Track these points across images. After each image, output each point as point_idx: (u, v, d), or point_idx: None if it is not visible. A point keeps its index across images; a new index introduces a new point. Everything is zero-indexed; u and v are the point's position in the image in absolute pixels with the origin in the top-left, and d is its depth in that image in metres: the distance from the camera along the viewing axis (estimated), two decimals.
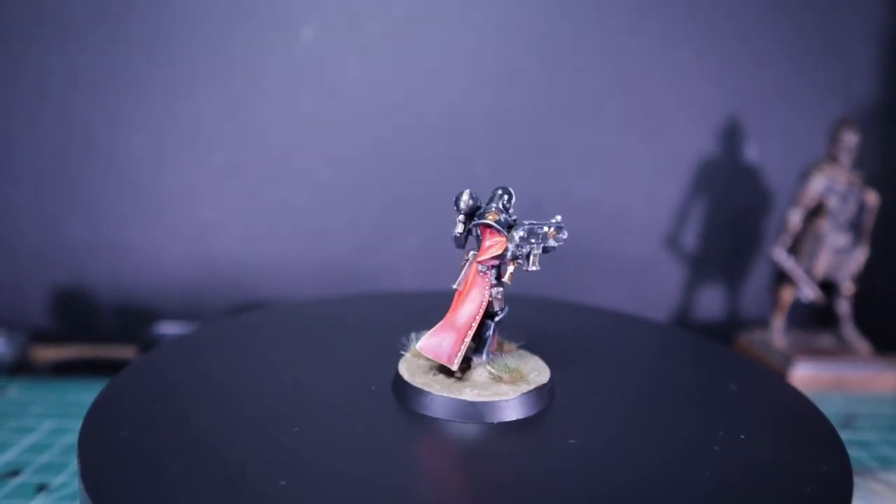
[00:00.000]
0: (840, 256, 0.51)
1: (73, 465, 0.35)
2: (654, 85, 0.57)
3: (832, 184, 0.50)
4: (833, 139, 0.51)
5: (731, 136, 0.58)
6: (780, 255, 0.51)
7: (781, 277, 0.52)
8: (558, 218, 0.26)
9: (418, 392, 0.25)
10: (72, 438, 0.37)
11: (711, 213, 0.59)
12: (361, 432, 0.23)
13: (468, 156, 0.57)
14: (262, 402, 0.25)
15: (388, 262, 0.58)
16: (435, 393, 0.24)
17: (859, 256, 0.51)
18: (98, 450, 0.21)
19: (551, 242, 0.26)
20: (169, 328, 0.51)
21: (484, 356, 0.26)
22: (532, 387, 0.25)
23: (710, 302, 0.60)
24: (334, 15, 0.54)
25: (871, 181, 0.52)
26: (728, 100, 0.57)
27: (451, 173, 0.57)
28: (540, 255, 0.25)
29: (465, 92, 0.56)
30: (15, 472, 0.34)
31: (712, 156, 0.58)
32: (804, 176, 0.51)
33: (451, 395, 0.24)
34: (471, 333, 0.25)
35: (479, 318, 0.25)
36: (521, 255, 0.25)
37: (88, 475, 0.20)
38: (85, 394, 0.43)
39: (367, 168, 0.57)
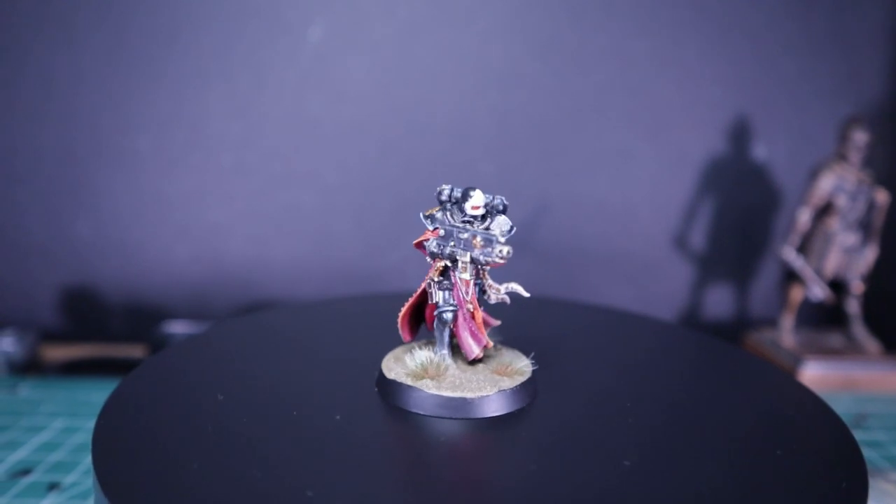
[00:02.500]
0: (849, 255, 0.51)
1: (84, 463, 0.35)
2: (661, 85, 0.56)
3: (841, 182, 0.50)
4: (842, 137, 0.51)
5: (739, 135, 0.57)
6: (790, 255, 0.51)
7: (790, 276, 0.52)
8: (497, 231, 0.24)
9: (398, 387, 0.25)
10: (82, 437, 0.38)
11: (719, 212, 0.59)
12: (351, 427, 0.24)
13: (474, 157, 0.57)
14: (269, 400, 0.26)
15: (395, 262, 0.58)
16: (414, 388, 0.25)
17: (869, 255, 0.51)
18: (112, 448, 0.22)
19: (476, 253, 0.24)
20: (177, 327, 0.51)
21: (439, 348, 0.27)
22: (511, 385, 0.25)
23: (719, 301, 0.60)
24: (341, 16, 0.54)
25: (880, 180, 0.52)
26: (735, 99, 0.57)
27: (458, 174, 0.57)
28: (468, 263, 0.24)
29: (471, 93, 0.56)
30: (26, 471, 0.34)
31: (720, 155, 0.58)
32: (813, 175, 0.51)
33: (425, 391, 0.25)
34: (401, 311, 0.27)
35: (410, 302, 0.27)
36: (444, 256, 0.25)
37: (103, 473, 0.20)
38: (95, 393, 0.43)
39: (374, 169, 0.57)
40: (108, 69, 0.54)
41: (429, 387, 0.25)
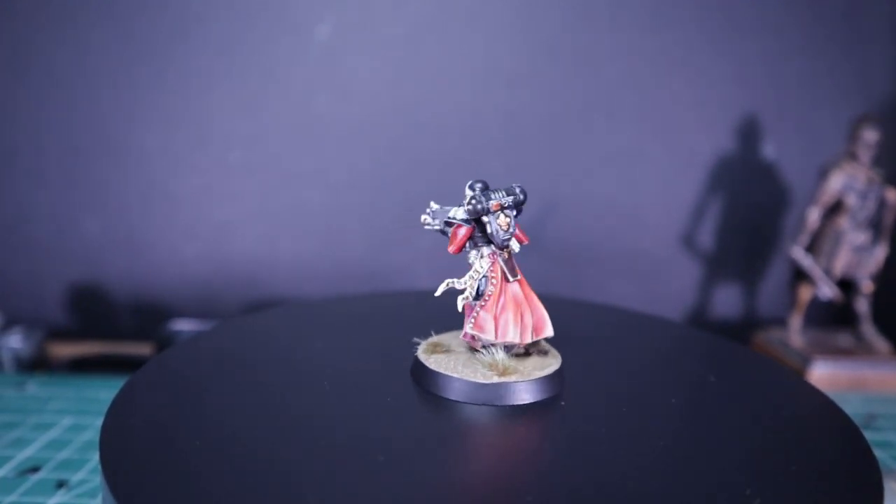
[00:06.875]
0: (859, 255, 0.50)
1: (93, 461, 0.35)
2: (670, 82, 0.56)
3: (851, 181, 0.50)
4: (852, 136, 0.50)
5: (748, 134, 0.57)
6: (799, 254, 0.51)
7: (799, 276, 0.52)
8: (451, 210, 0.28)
9: (434, 374, 0.26)
10: (90, 435, 0.38)
11: (728, 211, 0.58)
12: (380, 416, 0.24)
13: (482, 155, 0.57)
14: (282, 396, 0.25)
15: (403, 261, 0.58)
16: (452, 375, 0.26)
17: (879, 254, 0.50)
18: (120, 447, 0.22)
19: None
20: (184, 325, 0.51)
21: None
22: (541, 374, 0.26)
23: (727, 301, 0.60)
24: (349, 14, 0.54)
25: (890, 178, 0.52)
26: (745, 98, 0.56)
27: (466, 172, 0.57)
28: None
29: (480, 91, 0.56)
30: (35, 469, 0.34)
31: (729, 154, 0.57)
32: (823, 173, 0.51)
33: (464, 378, 0.25)
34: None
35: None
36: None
37: (110, 472, 0.20)
38: (102, 390, 0.44)
39: (381, 167, 0.57)
40: (115, 66, 0.54)
41: (460, 373, 0.26)
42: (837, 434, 0.25)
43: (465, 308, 0.27)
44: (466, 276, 0.27)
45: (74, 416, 0.40)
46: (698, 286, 0.60)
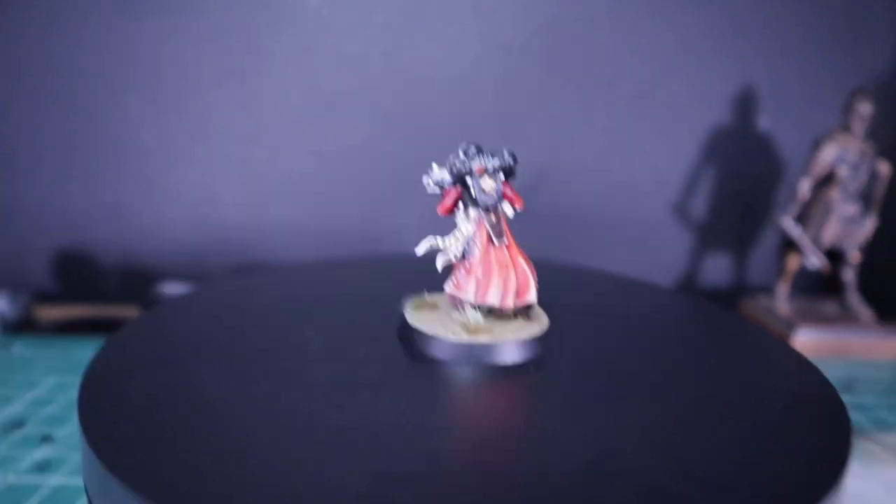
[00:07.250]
0: (849, 226, 0.50)
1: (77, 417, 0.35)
2: (666, 53, 0.55)
3: (844, 153, 0.49)
4: (847, 109, 0.50)
5: (744, 104, 0.57)
6: (788, 223, 0.51)
7: (788, 245, 0.52)
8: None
9: (410, 330, 0.26)
10: (76, 393, 0.38)
11: (721, 180, 0.58)
12: (362, 378, 0.23)
13: (475, 123, 0.56)
14: (262, 356, 0.25)
15: (395, 225, 0.57)
16: (425, 331, 0.26)
17: (868, 226, 0.50)
18: (99, 402, 0.22)
19: None
20: (172, 288, 0.51)
21: None
22: (514, 337, 0.26)
23: (717, 268, 0.60)
24: None
25: (884, 151, 0.52)
26: (740, 69, 0.56)
27: (459, 138, 0.56)
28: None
29: (474, 59, 0.55)
30: (19, 424, 0.34)
31: (723, 125, 0.57)
32: (816, 145, 0.50)
33: (436, 335, 0.25)
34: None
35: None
36: None
37: (88, 426, 0.20)
38: (89, 351, 0.44)
39: (374, 132, 0.56)
40: (97, 16, 0.53)
41: (434, 331, 0.26)
42: (815, 394, 0.25)
43: (454, 268, 0.27)
44: (449, 236, 0.27)
45: (60, 375, 0.40)
46: (690, 253, 0.60)
